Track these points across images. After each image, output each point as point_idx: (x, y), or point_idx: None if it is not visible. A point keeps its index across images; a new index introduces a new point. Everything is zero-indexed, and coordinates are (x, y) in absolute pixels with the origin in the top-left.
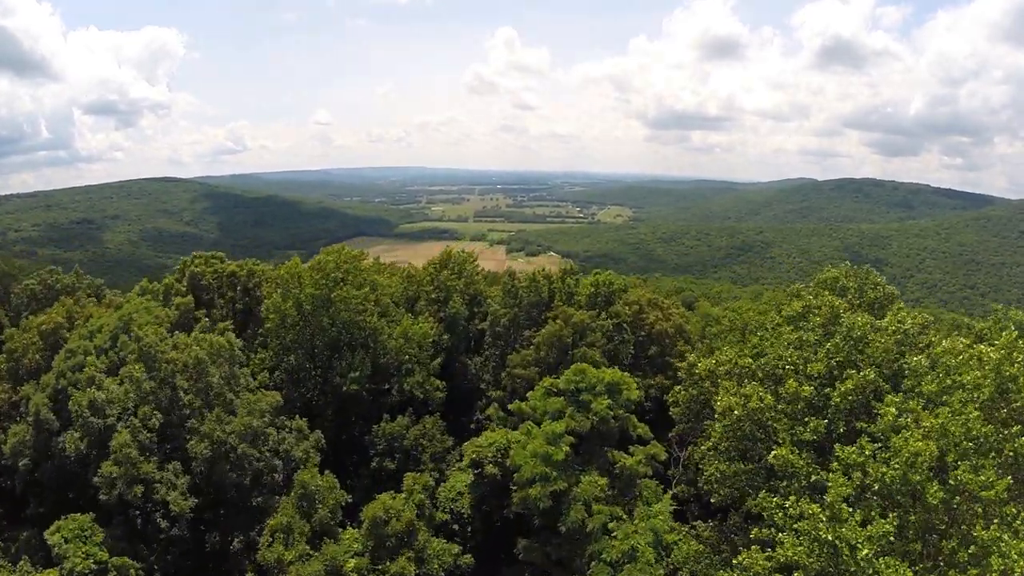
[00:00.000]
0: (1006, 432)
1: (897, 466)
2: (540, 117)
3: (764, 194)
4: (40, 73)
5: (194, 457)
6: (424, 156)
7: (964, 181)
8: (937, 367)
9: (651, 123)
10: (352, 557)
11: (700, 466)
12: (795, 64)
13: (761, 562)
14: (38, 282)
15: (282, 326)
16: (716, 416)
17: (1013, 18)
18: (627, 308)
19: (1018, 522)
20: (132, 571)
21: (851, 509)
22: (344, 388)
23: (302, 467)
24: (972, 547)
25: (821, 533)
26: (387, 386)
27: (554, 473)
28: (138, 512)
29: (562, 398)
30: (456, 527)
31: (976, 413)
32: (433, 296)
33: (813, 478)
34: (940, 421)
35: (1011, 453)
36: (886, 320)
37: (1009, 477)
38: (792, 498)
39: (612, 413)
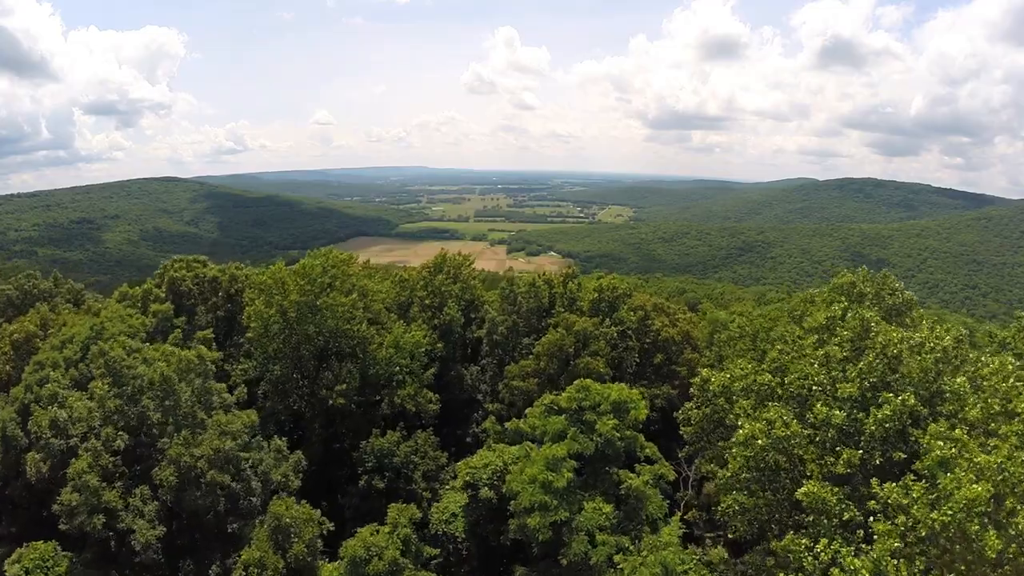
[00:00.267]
0: None
1: (949, 512)
2: (540, 117)
3: (764, 194)
4: (40, 73)
5: (160, 485)
6: (424, 156)
7: (964, 181)
8: (983, 390)
9: (651, 123)
10: None
11: (713, 489)
12: (795, 64)
13: None
14: (15, 287)
15: (265, 335)
16: (735, 444)
17: (1014, 18)
18: (632, 314)
19: None
20: None
21: (896, 562)
22: (331, 401)
23: (281, 491)
24: None
25: None
26: (378, 397)
27: (555, 502)
28: (112, 533)
29: (564, 417)
30: (451, 557)
31: None
32: (427, 302)
33: (846, 516)
34: (996, 459)
35: None
36: (920, 333)
37: None
38: (823, 542)
39: (619, 435)
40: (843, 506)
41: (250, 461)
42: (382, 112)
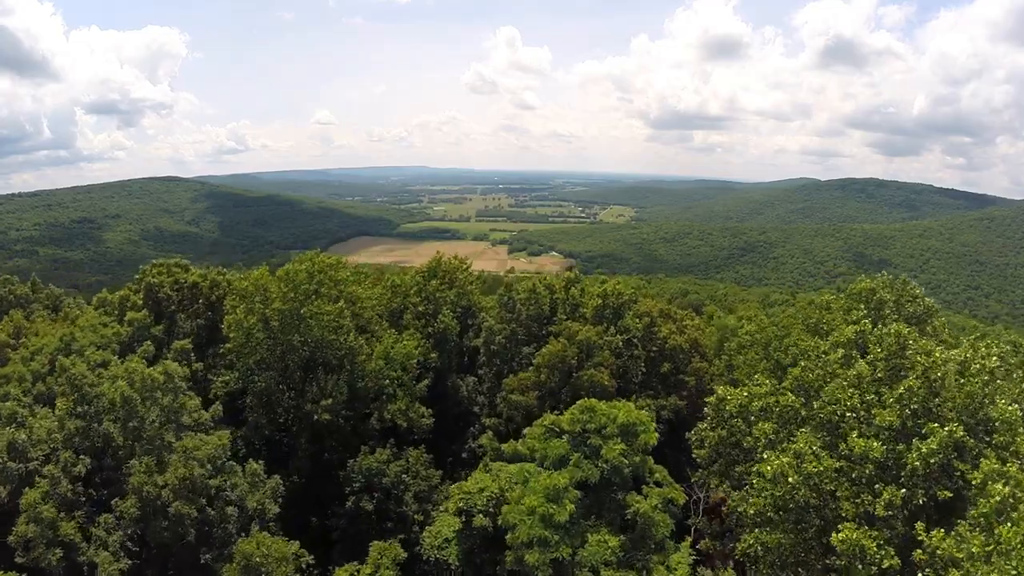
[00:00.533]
0: None
1: (1014, 573)
2: (541, 117)
3: (766, 194)
4: (41, 73)
5: (121, 517)
6: (425, 156)
7: (965, 181)
8: None
9: (653, 123)
10: None
11: (729, 516)
12: (797, 64)
13: None
14: None
15: (246, 345)
16: (761, 479)
17: (1016, 18)
18: (638, 321)
19: None
20: None
21: None
22: (316, 417)
23: (256, 520)
24: None
25: None
26: (367, 411)
27: (556, 537)
28: (84, 558)
29: (566, 440)
30: None
31: None
32: (420, 309)
33: (886, 564)
34: None
35: None
36: (959, 351)
37: None
38: None
39: (627, 462)
40: (883, 552)
41: (225, 485)
42: (383, 112)
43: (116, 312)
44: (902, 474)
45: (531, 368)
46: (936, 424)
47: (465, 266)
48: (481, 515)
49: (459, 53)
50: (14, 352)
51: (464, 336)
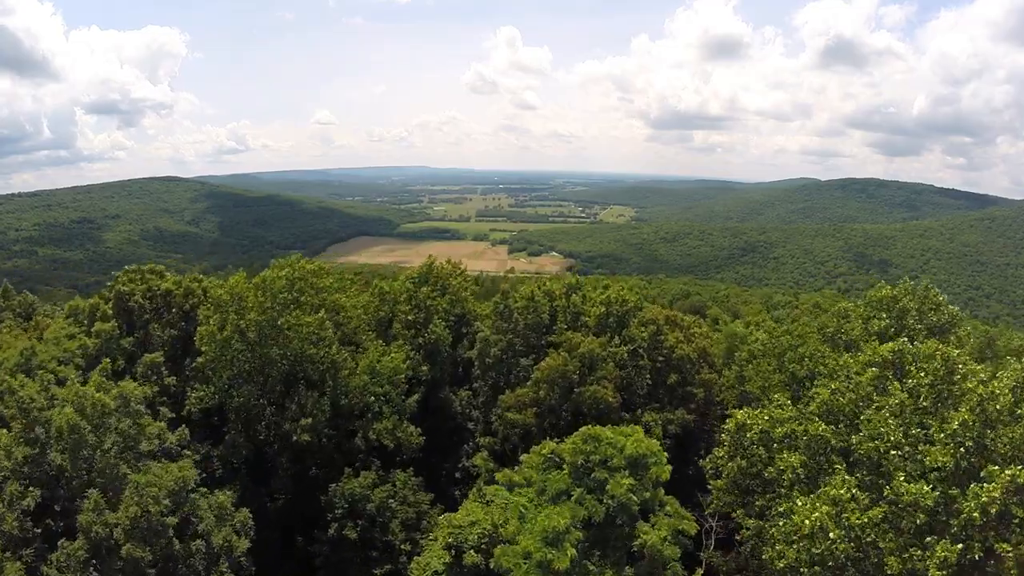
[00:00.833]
0: None
1: None
2: (542, 117)
3: (767, 194)
4: (42, 72)
5: (66, 564)
6: (426, 156)
7: (966, 181)
8: None
9: (653, 123)
10: None
11: (746, 546)
12: (797, 64)
13: None
14: None
15: (220, 359)
16: (787, 521)
17: (1016, 18)
18: (643, 330)
19: None
20: None
21: None
22: (294, 437)
23: (224, 558)
24: None
25: None
26: (352, 428)
27: None
28: None
29: (567, 471)
30: None
31: None
32: (410, 318)
33: None
34: None
35: None
36: (1010, 373)
37: None
38: None
39: (635, 499)
40: None
41: (191, 518)
42: (383, 112)
43: (86, 322)
44: (953, 523)
45: (529, 383)
46: (995, 466)
47: (459, 271)
48: (472, 551)
49: (459, 53)
50: None
51: (458, 345)
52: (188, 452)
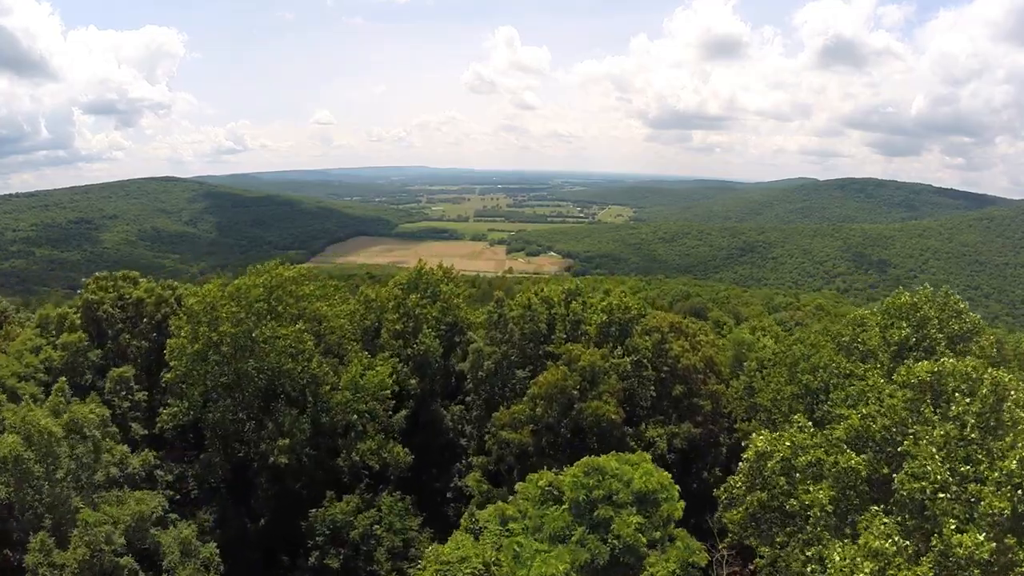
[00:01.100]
0: None
1: None
2: (541, 117)
3: (765, 194)
4: (40, 72)
5: None
6: (425, 156)
7: (965, 181)
8: None
9: (652, 122)
10: None
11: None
12: (796, 63)
13: None
14: None
15: (190, 375)
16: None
17: (1016, 18)
18: (647, 339)
19: None
20: None
21: None
22: (271, 459)
23: None
24: None
25: None
26: (336, 446)
27: None
28: None
29: (566, 510)
30: None
31: None
32: (398, 328)
33: None
34: None
35: None
36: None
37: None
38: None
39: (644, 539)
40: None
41: (151, 548)
42: (382, 112)
43: (55, 332)
44: None
45: (525, 399)
46: None
47: (450, 276)
48: None
49: (459, 53)
50: None
51: (451, 355)
52: (160, 472)
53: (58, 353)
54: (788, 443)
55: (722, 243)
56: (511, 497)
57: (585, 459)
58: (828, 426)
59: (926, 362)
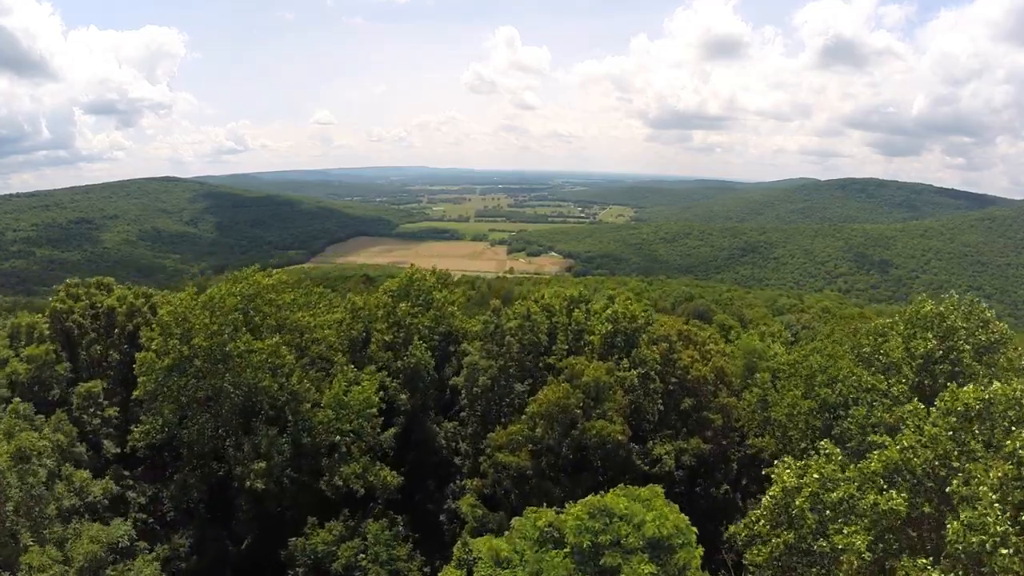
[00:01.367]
0: None
1: None
2: (541, 117)
3: (766, 194)
4: (40, 72)
5: None
6: (425, 156)
7: (965, 181)
8: None
9: (652, 123)
10: None
11: None
12: (797, 63)
13: None
14: None
15: (161, 391)
16: None
17: (1016, 18)
18: (654, 348)
19: None
20: None
21: None
22: (248, 484)
23: None
24: None
25: None
26: (319, 467)
27: None
28: None
29: (568, 558)
30: None
31: None
32: (387, 339)
33: None
34: None
35: None
36: None
37: None
38: None
39: None
40: None
41: None
42: (383, 112)
43: (23, 343)
44: None
45: (524, 417)
46: None
47: (444, 282)
48: None
49: (459, 53)
50: None
51: (446, 366)
52: (132, 494)
53: (24, 366)
54: (817, 475)
55: (723, 243)
56: (507, 532)
57: (590, 499)
58: (861, 459)
59: (972, 386)
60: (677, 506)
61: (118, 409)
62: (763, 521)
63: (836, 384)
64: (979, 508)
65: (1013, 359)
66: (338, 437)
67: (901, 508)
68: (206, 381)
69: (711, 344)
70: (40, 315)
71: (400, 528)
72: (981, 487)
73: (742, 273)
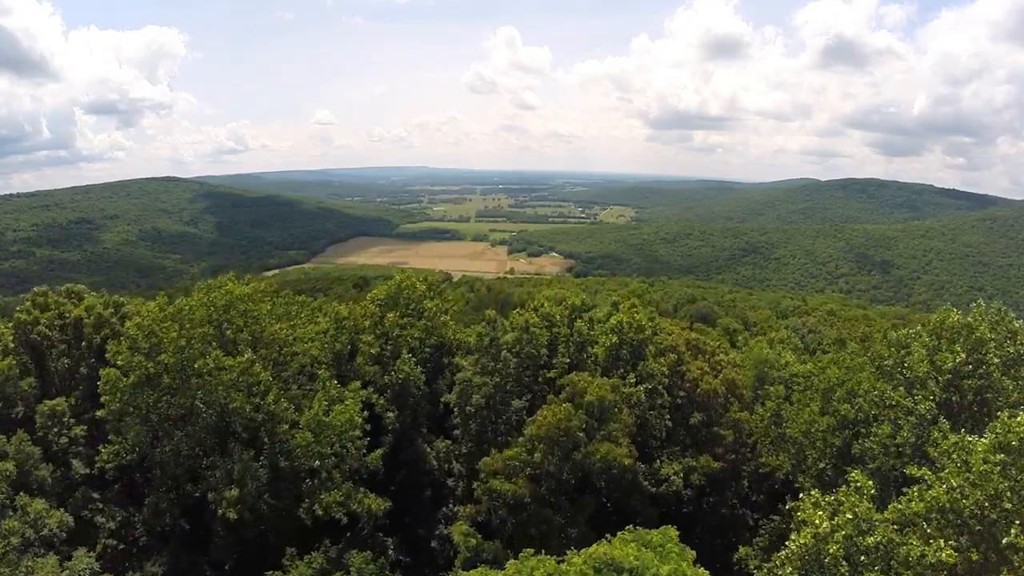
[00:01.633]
0: None
1: None
2: (541, 117)
3: (767, 194)
4: (40, 72)
5: None
6: (425, 156)
7: (966, 181)
8: None
9: (653, 123)
10: None
11: None
12: (797, 64)
13: None
14: None
15: (127, 410)
16: None
17: (1017, 18)
18: (661, 360)
19: None
20: None
21: None
22: (220, 512)
23: None
24: None
25: None
26: (299, 492)
27: None
28: None
29: None
30: None
31: None
32: (374, 352)
33: None
34: None
35: None
36: None
37: None
38: None
39: None
40: None
41: None
42: (383, 112)
43: None
44: None
45: (521, 440)
46: None
47: (435, 290)
48: None
49: (459, 53)
50: None
51: (439, 379)
52: (101, 519)
53: None
54: (850, 515)
55: (724, 244)
56: (501, 573)
57: (594, 550)
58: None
59: (1020, 416)
60: (694, 552)
61: (86, 428)
62: (790, 568)
63: (856, 399)
64: None
65: None
66: (318, 461)
67: (952, 561)
68: (177, 398)
69: (721, 354)
70: (8, 324)
71: (388, 557)
72: None
73: (743, 274)
